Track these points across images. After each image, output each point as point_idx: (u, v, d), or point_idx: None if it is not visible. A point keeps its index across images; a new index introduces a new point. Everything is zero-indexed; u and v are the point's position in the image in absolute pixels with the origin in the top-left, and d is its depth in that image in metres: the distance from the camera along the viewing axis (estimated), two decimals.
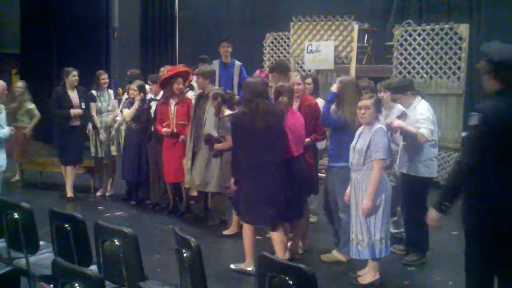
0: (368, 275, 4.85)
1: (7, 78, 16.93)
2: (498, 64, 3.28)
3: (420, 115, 5.26)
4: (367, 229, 4.66)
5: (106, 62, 13.10)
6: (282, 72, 5.89)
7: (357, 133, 4.84)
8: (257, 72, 6.52)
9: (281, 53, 11.26)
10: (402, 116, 5.43)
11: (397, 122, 5.31)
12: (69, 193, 7.89)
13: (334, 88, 5.18)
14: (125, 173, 7.60)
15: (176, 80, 6.90)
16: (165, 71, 7.42)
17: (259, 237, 6.10)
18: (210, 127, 6.35)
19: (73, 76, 7.78)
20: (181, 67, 7.57)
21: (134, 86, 7.45)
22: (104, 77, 8.12)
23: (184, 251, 3.19)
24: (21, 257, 3.98)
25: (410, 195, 5.42)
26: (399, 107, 5.75)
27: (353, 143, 4.80)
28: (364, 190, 4.66)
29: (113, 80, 9.18)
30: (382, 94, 5.77)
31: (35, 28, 13.70)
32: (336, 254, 5.46)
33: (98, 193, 8.11)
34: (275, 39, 11.36)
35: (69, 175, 7.87)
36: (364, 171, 4.66)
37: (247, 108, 4.94)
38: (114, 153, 7.99)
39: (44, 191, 8.51)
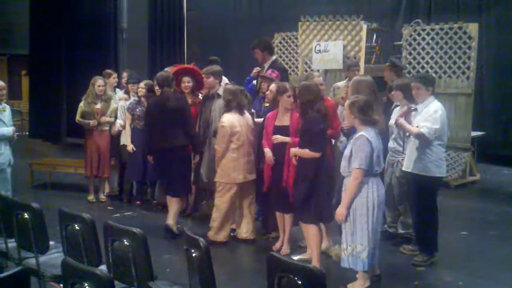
0: (356, 283, 4.71)
1: (16, 79, 17.14)
2: None
3: (428, 112, 5.22)
4: (355, 239, 4.54)
5: (115, 62, 13.13)
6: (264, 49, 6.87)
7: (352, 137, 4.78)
8: (269, 71, 6.52)
9: (289, 53, 11.26)
10: (412, 111, 5.37)
11: (401, 120, 5.30)
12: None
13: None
14: (132, 174, 7.60)
15: (182, 79, 6.81)
16: (168, 70, 7.34)
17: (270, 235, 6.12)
18: (218, 123, 6.36)
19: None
20: (188, 66, 7.47)
21: (142, 84, 7.41)
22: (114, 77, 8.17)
23: (193, 251, 3.19)
24: (31, 257, 4.00)
25: (420, 195, 5.37)
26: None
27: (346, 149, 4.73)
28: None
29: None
30: (393, 93, 5.73)
31: (44, 29, 13.78)
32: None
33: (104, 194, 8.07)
34: (283, 39, 11.37)
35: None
36: (348, 178, 4.57)
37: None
38: None
39: (54, 191, 8.55)
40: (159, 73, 6.61)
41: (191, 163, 6.50)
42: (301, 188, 5.04)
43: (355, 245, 4.54)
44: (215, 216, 5.95)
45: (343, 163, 4.63)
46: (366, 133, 4.46)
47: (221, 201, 5.92)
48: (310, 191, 4.99)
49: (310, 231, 5.11)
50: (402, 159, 5.57)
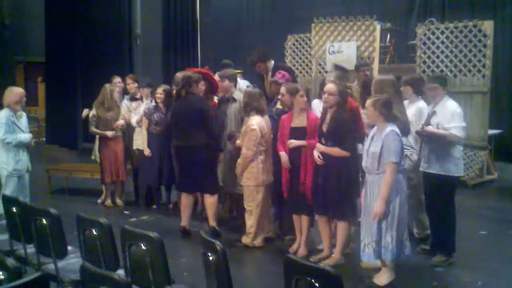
0: (383, 276, 4.78)
1: (33, 86, 17.32)
2: None
3: (450, 112, 5.20)
4: (378, 232, 4.61)
5: (129, 69, 13.23)
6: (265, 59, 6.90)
7: (370, 135, 4.79)
8: (277, 75, 6.51)
9: (303, 54, 11.25)
10: (432, 115, 5.32)
11: (428, 129, 5.23)
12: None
13: None
14: (147, 178, 7.63)
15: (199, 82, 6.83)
16: (180, 76, 7.36)
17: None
18: (232, 126, 6.41)
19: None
20: (201, 69, 7.50)
21: (160, 90, 7.42)
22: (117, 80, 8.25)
23: (210, 254, 3.20)
24: (50, 263, 4.04)
25: (439, 194, 5.33)
26: (419, 105, 5.67)
27: (366, 145, 4.76)
28: (378, 193, 4.61)
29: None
30: (402, 88, 5.68)
31: (59, 37, 13.92)
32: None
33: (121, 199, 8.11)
34: (297, 40, 11.36)
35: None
36: (380, 175, 4.61)
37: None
38: None
39: (71, 196, 8.62)
40: (183, 74, 6.66)
41: (214, 162, 6.45)
42: (335, 186, 5.08)
43: (386, 237, 4.60)
44: (251, 222, 5.91)
45: (370, 161, 4.64)
46: (395, 128, 4.56)
47: (253, 205, 5.89)
48: (345, 189, 5.05)
49: (343, 228, 5.21)
50: (411, 154, 5.54)
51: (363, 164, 4.79)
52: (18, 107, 6.57)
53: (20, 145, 6.53)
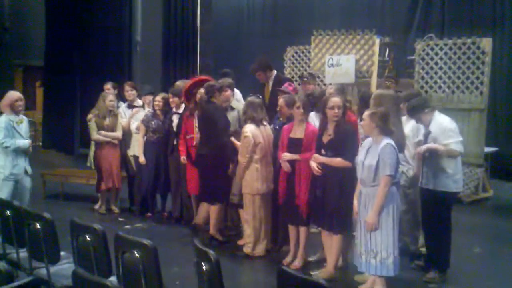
0: None
1: (31, 90, 17.32)
2: None
3: (445, 128, 5.21)
4: (379, 244, 4.63)
5: (129, 75, 13.24)
6: (266, 69, 7.04)
7: (365, 146, 4.80)
8: (286, 85, 6.54)
9: (302, 66, 11.28)
10: (428, 135, 5.33)
11: (426, 147, 5.25)
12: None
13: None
14: (142, 186, 7.60)
15: (199, 91, 6.80)
16: (181, 84, 7.38)
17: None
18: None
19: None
20: (201, 77, 7.51)
21: (158, 97, 7.43)
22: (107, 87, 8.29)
23: (203, 264, 3.18)
24: (42, 267, 4.02)
25: (436, 211, 5.32)
26: (412, 123, 5.67)
27: (361, 157, 4.78)
28: (373, 205, 4.63)
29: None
30: (401, 105, 5.70)
31: (59, 42, 13.95)
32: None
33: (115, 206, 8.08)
34: (296, 52, 11.39)
35: None
36: (375, 187, 4.62)
37: None
38: None
39: (66, 202, 8.58)
40: (184, 82, 6.99)
41: (216, 172, 6.41)
42: (334, 199, 5.09)
43: (381, 251, 4.61)
44: (248, 231, 5.94)
45: (366, 173, 4.66)
46: (391, 141, 4.59)
47: (248, 213, 5.92)
48: (343, 200, 5.04)
49: (338, 240, 5.18)
50: (407, 170, 5.54)
51: (358, 176, 4.80)
52: (9, 110, 6.52)
53: (18, 150, 6.52)
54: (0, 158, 6.48)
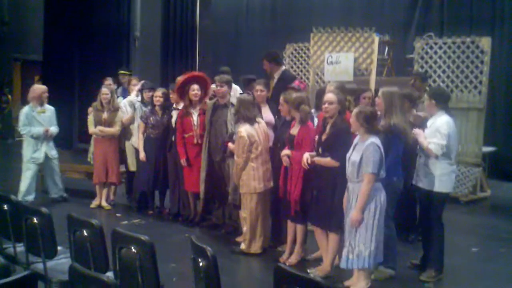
0: (359, 284, 4.82)
1: (29, 84, 17.30)
2: None
3: (436, 127, 5.24)
4: (358, 239, 4.70)
5: (127, 70, 13.19)
6: (271, 60, 7.14)
7: (354, 143, 4.87)
8: (296, 82, 6.53)
9: (301, 64, 11.28)
10: (424, 122, 5.41)
11: (417, 131, 5.33)
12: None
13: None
14: (142, 182, 7.59)
15: (191, 87, 6.82)
16: (180, 79, 7.35)
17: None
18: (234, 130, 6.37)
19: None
20: (194, 73, 7.45)
21: (158, 93, 7.38)
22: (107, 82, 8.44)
23: (200, 260, 3.18)
24: (39, 262, 4.01)
25: (426, 209, 5.40)
26: (446, 118, 5.61)
27: (349, 153, 4.84)
28: (356, 201, 4.72)
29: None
30: (427, 102, 5.67)
31: (57, 36, 13.91)
32: (384, 269, 5.30)
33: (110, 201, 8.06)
34: (295, 50, 11.39)
35: None
36: (359, 184, 4.70)
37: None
38: None
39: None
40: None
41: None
42: (329, 195, 5.10)
43: (358, 245, 4.69)
44: (245, 229, 5.95)
45: (350, 169, 4.75)
46: (375, 140, 4.68)
47: (246, 212, 5.91)
48: (337, 198, 5.05)
49: (334, 238, 5.21)
50: None
51: (346, 171, 4.85)
52: (36, 102, 7.70)
53: (34, 137, 7.63)
54: (24, 143, 7.74)
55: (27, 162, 7.68)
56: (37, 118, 7.69)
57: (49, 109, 7.91)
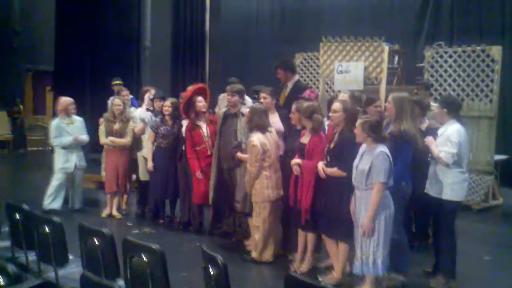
0: None
1: (41, 94, 17.43)
2: None
3: (447, 136, 5.22)
4: (370, 247, 4.73)
5: (137, 79, 13.30)
6: (287, 69, 7.10)
7: (360, 151, 4.85)
8: (307, 92, 6.54)
9: (311, 73, 11.29)
10: (434, 130, 5.40)
11: (429, 139, 5.31)
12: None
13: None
14: (154, 192, 7.60)
15: (196, 99, 6.84)
16: (185, 97, 7.22)
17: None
18: (245, 140, 6.35)
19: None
20: (195, 85, 7.46)
21: (168, 103, 7.38)
22: (123, 94, 8.46)
23: (211, 268, 3.18)
24: (51, 270, 4.03)
25: (438, 218, 5.38)
26: (457, 127, 5.59)
27: (356, 161, 4.83)
28: (364, 209, 4.73)
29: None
30: (438, 110, 5.64)
31: (68, 47, 14.00)
32: (395, 276, 5.26)
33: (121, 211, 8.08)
34: (305, 59, 11.41)
35: None
36: (367, 191, 4.71)
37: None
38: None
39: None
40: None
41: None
42: (336, 205, 5.10)
43: (372, 252, 4.72)
44: (258, 237, 5.93)
45: (359, 178, 4.76)
46: (384, 149, 4.70)
47: (259, 221, 5.89)
48: (345, 207, 5.03)
49: (343, 248, 5.21)
50: None
51: (353, 179, 4.85)
52: (64, 114, 7.94)
53: (65, 147, 7.85)
54: (56, 154, 7.96)
55: (58, 172, 7.90)
56: (67, 129, 7.88)
57: (78, 119, 8.12)
